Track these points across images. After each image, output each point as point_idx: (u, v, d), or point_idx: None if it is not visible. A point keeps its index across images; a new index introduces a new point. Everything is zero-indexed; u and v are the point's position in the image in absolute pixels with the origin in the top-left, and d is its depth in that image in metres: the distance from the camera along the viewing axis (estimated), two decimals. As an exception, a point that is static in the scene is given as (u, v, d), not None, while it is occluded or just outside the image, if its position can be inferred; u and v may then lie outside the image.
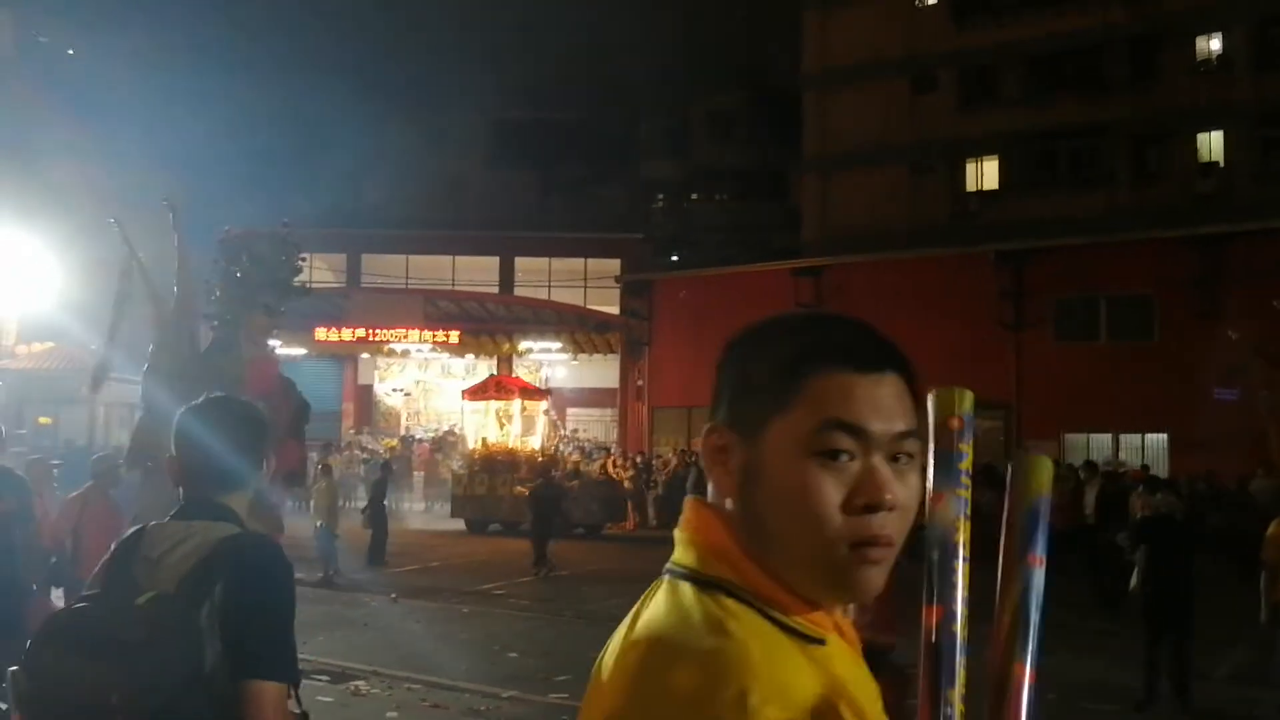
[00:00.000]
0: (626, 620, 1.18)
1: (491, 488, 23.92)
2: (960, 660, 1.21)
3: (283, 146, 40.12)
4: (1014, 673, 1.23)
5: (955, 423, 1.25)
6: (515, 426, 26.17)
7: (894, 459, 1.14)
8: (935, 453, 1.23)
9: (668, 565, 1.20)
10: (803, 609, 1.14)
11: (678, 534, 1.21)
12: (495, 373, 39.74)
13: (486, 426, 26.42)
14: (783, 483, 1.12)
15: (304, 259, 7.66)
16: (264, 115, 40.32)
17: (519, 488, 22.23)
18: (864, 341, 1.17)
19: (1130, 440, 26.20)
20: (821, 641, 1.14)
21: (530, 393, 27.80)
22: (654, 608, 1.15)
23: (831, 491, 1.11)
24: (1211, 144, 30.43)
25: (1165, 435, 25.58)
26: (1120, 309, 26.55)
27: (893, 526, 1.12)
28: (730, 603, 1.12)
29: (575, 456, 26.67)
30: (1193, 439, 23.92)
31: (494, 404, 26.59)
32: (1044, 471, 1.31)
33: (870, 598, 1.13)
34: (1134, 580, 9.88)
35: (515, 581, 16.95)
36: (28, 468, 8.59)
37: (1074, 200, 30.83)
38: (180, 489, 2.52)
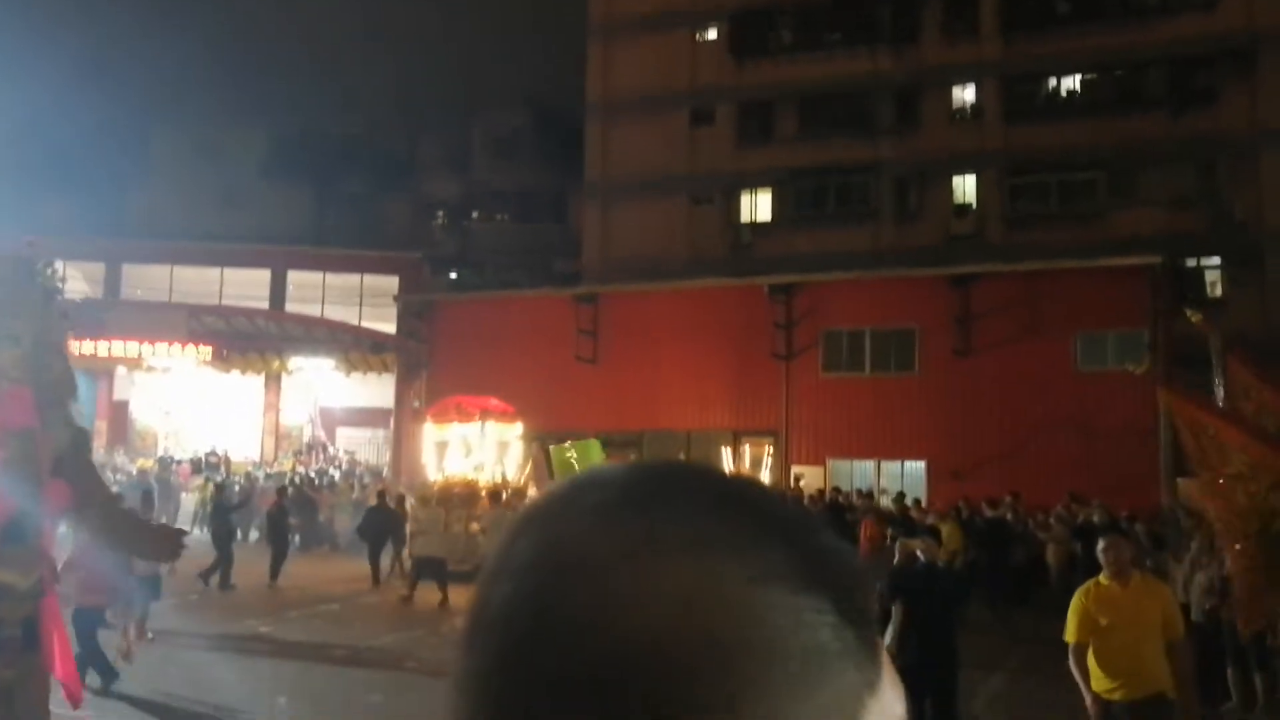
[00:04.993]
0: None
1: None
2: None
3: (37, 146, 37.71)
4: None
5: None
6: (482, 454, 22.79)
7: None
8: None
9: None
10: None
11: None
12: (264, 390, 38.38)
13: (447, 455, 22.92)
14: None
15: (63, 281, 7.16)
16: (16, 112, 37.80)
17: (474, 524, 20.50)
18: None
19: (890, 467, 27.42)
20: None
21: (494, 414, 23.71)
22: None
23: None
24: (966, 187, 32.37)
25: (923, 463, 26.92)
26: (884, 342, 27.81)
27: None
28: None
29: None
30: (948, 466, 25.33)
31: (458, 427, 23.03)
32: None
33: None
34: (888, 638, 7.79)
35: (277, 618, 16.34)
36: None
37: (842, 235, 32.19)
38: None
